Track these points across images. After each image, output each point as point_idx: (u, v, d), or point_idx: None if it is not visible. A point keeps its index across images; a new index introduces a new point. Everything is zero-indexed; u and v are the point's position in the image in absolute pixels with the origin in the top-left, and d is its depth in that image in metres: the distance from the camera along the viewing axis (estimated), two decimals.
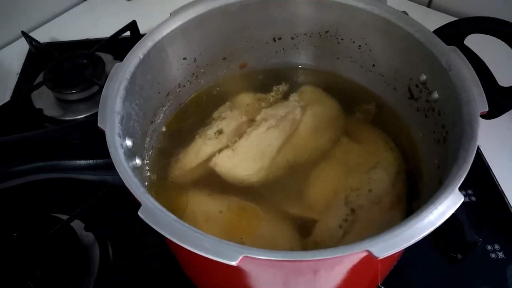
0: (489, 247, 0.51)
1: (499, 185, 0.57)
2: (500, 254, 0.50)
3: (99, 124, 0.34)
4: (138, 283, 0.50)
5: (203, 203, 0.46)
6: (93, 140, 0.36)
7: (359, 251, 0.27)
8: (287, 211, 0.45)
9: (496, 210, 0.55)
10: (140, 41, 0.42)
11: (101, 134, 0.35)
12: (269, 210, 0.45)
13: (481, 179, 0.58)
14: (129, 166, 0.33)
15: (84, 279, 0.50)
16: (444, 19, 0.47)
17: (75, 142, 0.35)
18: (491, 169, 0.59)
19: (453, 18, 0.47)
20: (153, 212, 0.30)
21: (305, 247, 0.42)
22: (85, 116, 0.69)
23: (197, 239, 0.28)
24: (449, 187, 0.31)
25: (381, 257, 0.27)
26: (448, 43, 0.41)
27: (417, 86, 0.46)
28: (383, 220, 0.44)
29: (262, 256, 0.27)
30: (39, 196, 0.58)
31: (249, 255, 0.27)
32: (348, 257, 0.29)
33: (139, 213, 0.29)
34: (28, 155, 0.34)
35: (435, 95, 0.42)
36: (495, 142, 0.62)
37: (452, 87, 0.38)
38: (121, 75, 0.38)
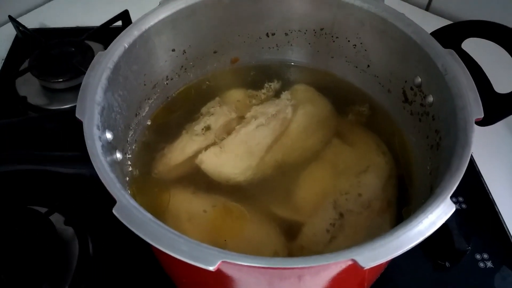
0: (478, 256, 0.50)
1: (490, 193, 0.56)
2: (489, 264, 0.49)
3: (77, 115, 0.33)
4: (117, 279, 0.49)
5: (187, 201, 0.44)
6: (71, 131, 0.34)
7: (344, 260, 0.26)
8: (273, 212, 0.44)
9: (487, 219, 0.54)
10: (125, 29, 0.40)
11: (80, 125, 0.33)
12: (255, 211, 0.43)
13: (472, 187, 0.57)
14: (106, 160, 0.31)
15: (62, 275, 0.48)
16: (443, 23, 0.46)
17: (51, 132, 0.33)
18: (482, 177, 0.58)
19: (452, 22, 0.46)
20: (128, 210, 0.28)
21: (290, 251, 0.41)
22: (71, 106, 0.67)
23: (174, 241, 0.27)
24: (440, 195, 0.29)
25: (367, 267, 0.26)
26: (445, 46, 0.40)
27: (411, 89, 0.45)
28: (372, 225, 0.43)
29: (242, 262, 0.26)
30: (15, 186, 0.55)
31: (228, 260, 0.26)
32: (333, 265, 0.28)
33: (114, 211, 0.28)
34: None
35: (430, 99, 0.41)
36: (487, 149, 0.61)
37: (447, 91, 0.37)
38: (103, 64, 0.36)
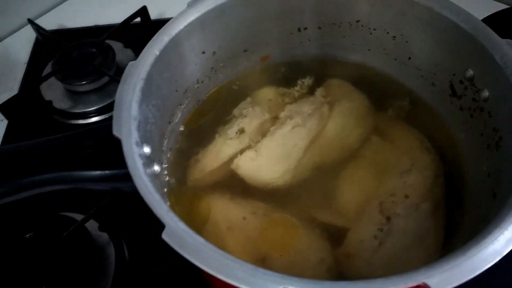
0: None
1: None
2: None
3: (115, 132, 0.31)
4: (155, 283, 0.49)
5: (225, 209, 0.43)
6: (107, 147, 0.33)
7: (415, 284, 0.24)
8: (315, 217, 0.42)
9: None
10: (155, 36, 0.38)
11: (116, 140, 0.31)
12: (296, 217, 0.42)
13: None
14: (148, 179, 0.29)
15: (101, 280, 0.48)
16: (489, 6, 0.42)
17: (89, 150, 0.32)
18: None
19: (496, 3, 0.42)
20: (178, 235, 0.26)
21: (336, 259, 0.39)
22: (96, 108, 0.67)
23: (229, 267, 0.25)
24: None
25: None
26: (501, 35, 0.36)
27: (461, 82, 0.41)
28: (421, 229, 0.40)
29: None
30: (50, 194, 0.55)
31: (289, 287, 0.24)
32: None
33: (163, 237, 0.26)
34: (38, 165, 0.31)
35: (485, 93, 0.38)
36: None
37: (508, 87, 0.34)
38: (136, 75, 0.34)
